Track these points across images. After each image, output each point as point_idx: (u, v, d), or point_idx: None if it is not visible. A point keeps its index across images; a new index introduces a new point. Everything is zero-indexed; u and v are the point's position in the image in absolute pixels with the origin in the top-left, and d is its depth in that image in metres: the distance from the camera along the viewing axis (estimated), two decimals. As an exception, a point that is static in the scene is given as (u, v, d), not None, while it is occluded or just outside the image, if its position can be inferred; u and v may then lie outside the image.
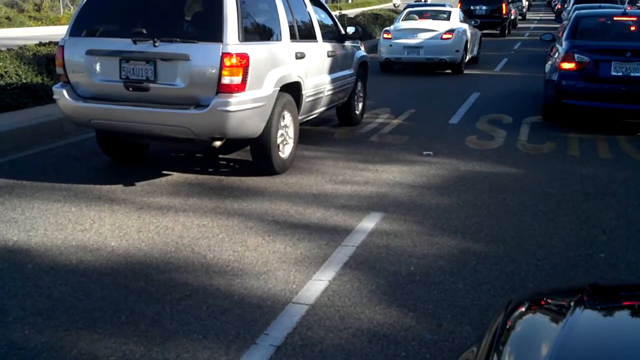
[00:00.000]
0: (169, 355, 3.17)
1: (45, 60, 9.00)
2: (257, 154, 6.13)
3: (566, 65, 8.54)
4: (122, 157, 6.61)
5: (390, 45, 14.27)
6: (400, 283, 4.00)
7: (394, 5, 34.77)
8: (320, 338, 3.35)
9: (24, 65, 8.66)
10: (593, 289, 1.96)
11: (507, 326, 1.80)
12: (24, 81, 8.44)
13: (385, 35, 14.48)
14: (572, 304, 1.84)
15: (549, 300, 2.03)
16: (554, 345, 1.58)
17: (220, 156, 6.92)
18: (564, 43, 9.00)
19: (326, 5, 8.04)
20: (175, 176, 6.15)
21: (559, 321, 1.74)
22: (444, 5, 16.37)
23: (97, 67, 5.69)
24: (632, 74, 8.23)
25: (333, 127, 8.58)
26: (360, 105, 8.84)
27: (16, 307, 3.61)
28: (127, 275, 4.03)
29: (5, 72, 8.29)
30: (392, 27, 15.02)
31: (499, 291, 3.91)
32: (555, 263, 4.34)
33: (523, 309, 1.91)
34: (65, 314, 3.56)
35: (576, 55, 8.49)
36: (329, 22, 7.96)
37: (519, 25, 32.10)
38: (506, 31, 26.27)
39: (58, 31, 21.65)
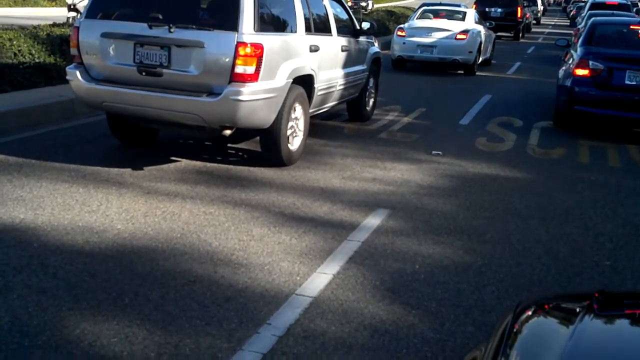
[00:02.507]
0: (171, 340, 3.18)
1: (58, 41, 9.02)
2: (267, 145, 6.13)
3: (580, 72, 8.49)
4: (132, 141, 6.62)
5: (404, 43, 14.23)
6: (404, 280, 4.00)
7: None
8: (323, 331, 3.35)
9: (37, 44, 8.67)
10: (602, 295, 1.95)
11: (515, 329, 1.79)
12: (37, 61, 8.45)
13: (399, 33, 14.44)
14: (581, 310, 1.83)
15: (558, 305, 2.02)
16: (563, 354, 1.57)
17: (230, 145, 6.92)
18: (578, 49, 8.95)
19: (342, -1, 8.00)
20: (184, 163, 6.16)
21: (568, 328, 1.73)
22: (459, 6, 16.30)
23: (112, 50, 5.69)
24: (646, 84, 8.18)
25: (343, 122, 8.56)
26: (371, 101, 8.82)
27: (21, 285, 3.63)
28: (132, 258, 4.04)
29: (19, 50, 8.30)
30: (406, 25, 14.98)
31: (503, 293, 3.90)
32: (560, 268, 4.32)
33: (531, 313, 1.90)
34: (70, 293, 3.57)
35: (591, 62, 8.45)
36: (344, 16, 7.94)
37: (533, 30, 31.95)
38: (520, 35, 26.15)
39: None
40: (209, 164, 6.17)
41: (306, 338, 3.27)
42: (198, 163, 6.18)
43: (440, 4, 16.46)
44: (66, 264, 3.91)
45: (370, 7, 35.05)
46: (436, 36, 14.05)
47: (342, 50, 7.36)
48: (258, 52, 5.39)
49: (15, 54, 8.21)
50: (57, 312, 3.37)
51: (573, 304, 1.98)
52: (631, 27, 9.63)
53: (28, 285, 3.63)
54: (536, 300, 2.07)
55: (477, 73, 14.54)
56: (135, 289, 3.66)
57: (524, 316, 1.88)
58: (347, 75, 7.48)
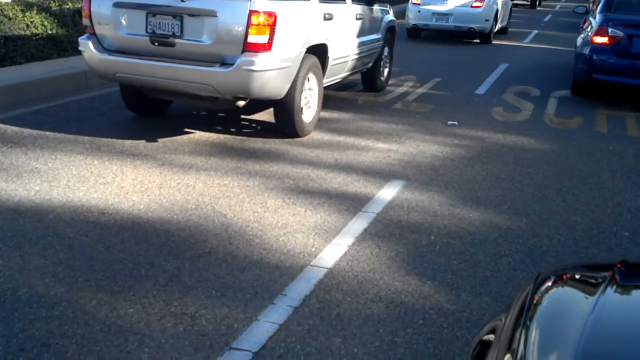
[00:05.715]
0: (187, 311, 3.18)
1: (70, 12, 8.96)
2: (280, 116, 6.08)
3: (598, 40, 8.32)
4: (145, 113, 6.60)
5: (419, 11, 14.02)
6: (420, 252, 3.97)
7: None
8: (338, 302, 3.34)
9: (50, 16, 8.63)
10: (624, 266, 1.91)
11: (535, 301, 1.76)
12: (50, 32, 8.42)
13: (414, 1, 14.21)
14: (602, 281, 1.79)
15: (579, 276, 1.98)
16: (585, 326, 1.54)
17: (243, 116, 6.88)
18: (597, 16, 8.76)
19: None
20: (198, 134, 6.13)
21: (589, 299, 1.69)
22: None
23: (124, 20, 5.64)
24: (667, 51, 8.00)
25: (357, 93, 8.48)
26: (386, 71, 8.71)
27: (37, 256, 3.64)
28: (147, 229, 4.05)
29: (32, 22, 8.27)
30: (421, -7, 14.73)
31: (519, 264, 3.86)
32: (578, 239, 4.27)
33: (551, 284, 1.87)
34: (86, 264, 3.58)
35: (610, 30, 8.27)
36: (359, -16, 7.80)
37: (550, -3, 31.37)
38: (537, 3, 25.69)
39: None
40: (222, 136, 6.14)
41: (321, 309, 3.27)
42: (212, 134, 6.15)
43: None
44: (82, 236, 3.92)
45: None
46: (452, 4, 13.82)
47: (357, 19, 7.25)
48: (271, 20, 5.31)
49: (27, 26, 8.18)
50: (73, 283, 3.39)
51: (594, 275, 1.95)
52: (652, -7, 9.38)
53: (44, 256, 3.65)
54: (556, 271, 2.03)
55: (493, 42, 14.33)
56: (150, 260, 3.66)
57: (544, 287, 1.84)
58: (361, 44, 7.38)
